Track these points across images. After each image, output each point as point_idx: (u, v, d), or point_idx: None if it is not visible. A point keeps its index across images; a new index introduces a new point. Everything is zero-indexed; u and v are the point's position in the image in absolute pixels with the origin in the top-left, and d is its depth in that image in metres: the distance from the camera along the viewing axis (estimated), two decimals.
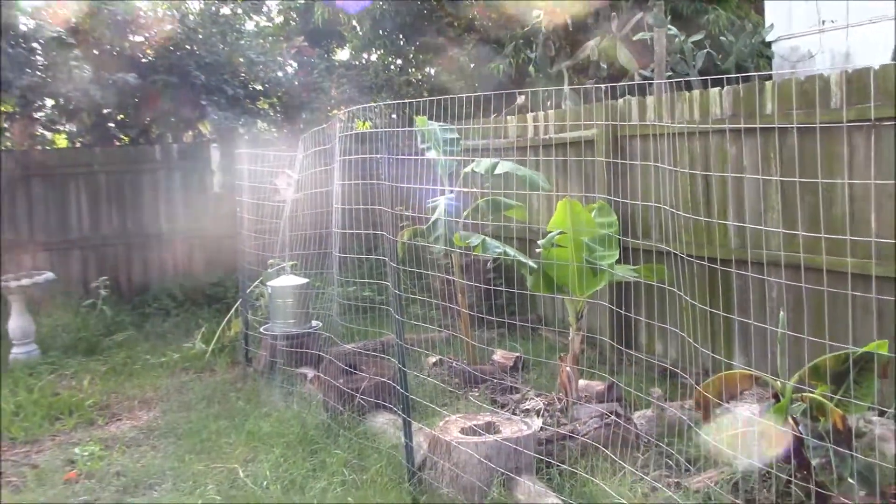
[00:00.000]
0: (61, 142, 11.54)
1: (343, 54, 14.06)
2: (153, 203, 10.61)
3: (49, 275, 8.61)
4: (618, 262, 5.59)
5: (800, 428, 4.13)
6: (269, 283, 7.41)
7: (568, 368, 5.57)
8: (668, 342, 6.64)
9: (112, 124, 11.25)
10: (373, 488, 4.67)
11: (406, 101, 6.68)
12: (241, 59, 11.12)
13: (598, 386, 5.78)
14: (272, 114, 11.61)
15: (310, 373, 6.67)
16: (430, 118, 6.84)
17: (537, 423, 5.39)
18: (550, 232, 5.48)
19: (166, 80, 10.45)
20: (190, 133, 11.85)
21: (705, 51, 9.81)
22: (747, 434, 4.39)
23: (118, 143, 11.21)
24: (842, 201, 5.38)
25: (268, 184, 8.32)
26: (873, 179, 5.06)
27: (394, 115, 10.74)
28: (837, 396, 4.22)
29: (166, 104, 10.66)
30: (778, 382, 4.41)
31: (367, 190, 5.84)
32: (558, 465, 4.53)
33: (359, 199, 5.88)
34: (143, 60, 10.70)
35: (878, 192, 5.10)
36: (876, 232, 5.07)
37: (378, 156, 5.32)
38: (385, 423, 5.52)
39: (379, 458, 5.00)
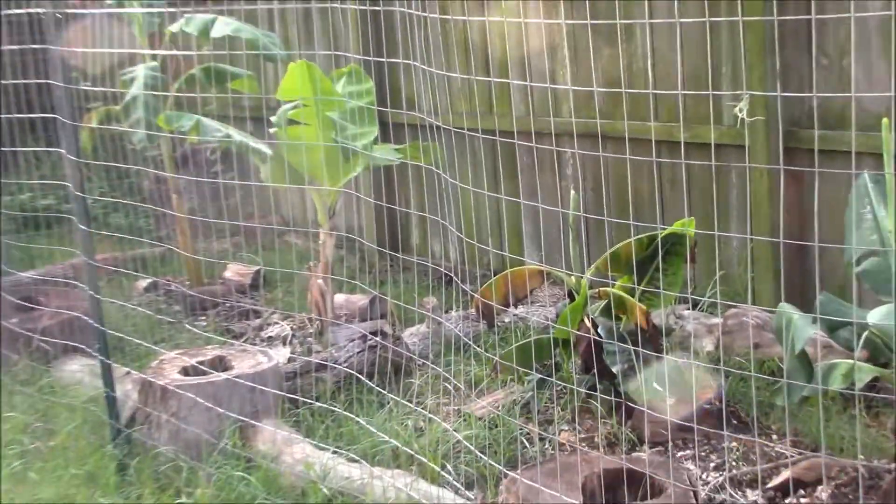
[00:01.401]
0: None
1: None
2: None
3: None
4: (377, 140, 5.59)
5: (599, 330, 4.36)
6: None
7: (320, 281, 5.59)
8: (445, 240, 6.79)
9: None
10: (65, 457, 4.53)
11: None
12: None
13: (361, 300, 5.87)
14: None
15: None
16: None
17: (283, 352, 5.42)
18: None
19: None
20: None
21: None
22: (540, 343, 4.60)
23: None
24: (642, 54, 5.62)
25: None
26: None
27: None
28: (641, 288, 4.49)
29: None
30: (572, 278, 4.62)
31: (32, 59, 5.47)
32: (310, 403, 4.56)
33: (18, 72, 5.50)
34: None
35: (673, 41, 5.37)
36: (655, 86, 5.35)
37: (41, 11, 4.97)
38: (79, 370, 5.37)
39: (72, 417, 4.86)
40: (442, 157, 4.98)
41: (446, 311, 5.71)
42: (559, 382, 4.50)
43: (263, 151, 5.51)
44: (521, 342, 4.71)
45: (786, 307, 3.63)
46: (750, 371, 4.09)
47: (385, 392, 4.44)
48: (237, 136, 5.62)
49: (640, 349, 4.14)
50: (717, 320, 5.04)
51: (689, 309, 5.30)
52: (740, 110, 4.76)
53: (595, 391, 4.31)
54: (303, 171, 5.56)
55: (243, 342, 5.60)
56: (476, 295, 4.76)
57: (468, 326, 5.40)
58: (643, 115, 5.50)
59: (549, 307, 5.65)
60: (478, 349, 4.74)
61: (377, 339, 4.95)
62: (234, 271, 6.81)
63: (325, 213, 5.65)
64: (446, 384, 4.71)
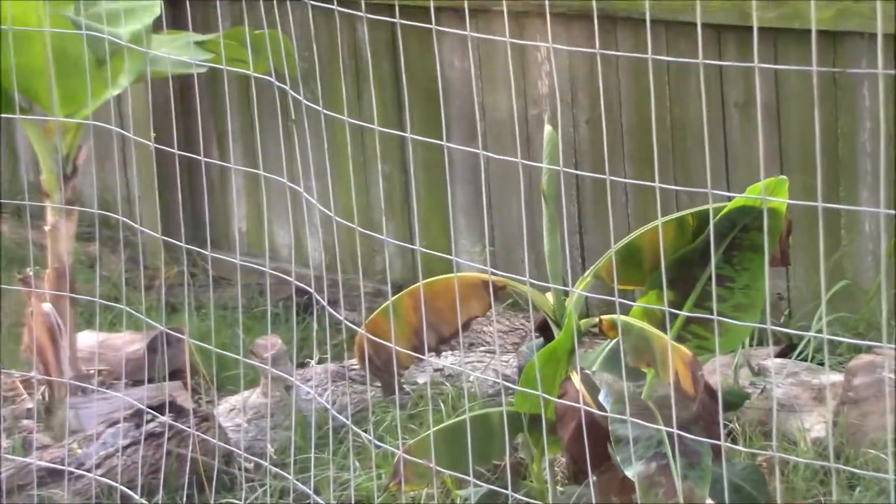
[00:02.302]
0: None
1: None
2: None
3: None
4: (162, 25, 5.64)
5: (601, 395, 4.41)
6: None
7: (47, 306, 5.59)
8: (300, 226, 6.81)
9: None
10: None
11: None
12: None
13: (132, 343, 5.91)
14: None
15: None
16: None
17: None
18: None
19: None
20: None
21: None
22: (487, 422, 4.65)
23: None
24: None
25: None
26: None
27: None
28: (684, 313, 4.54)
29: None
30: (547, 295, 4.67)
31: None
32: None
33: None
34: None
35: None
36: None
37: None
38: None
39: None
40: (291, 57, 5.02)
41: (302, 364, 5.74)
42: (524, 499, 4.55)
43: None
44: (448, 422, 4.75)
45: None
46: (892, 474, 4.18)
47: None
48: None
49: (680, 433, 4.19)
50: (832, 377, 5.12)
51: (776, 356, 5.38)
52: None
53: None
54: (11, 89, 5.57)
55: None
56: (360, 330, 4.78)
57: (345, 392, 5.43)
58: None
59: (502, 354, 5.70)
60: (364, 436, 4.77)
61: (164, 418, 4.97)
62: None
63: (55, 172, 5.67)
64: (305, 501, 4.74)
